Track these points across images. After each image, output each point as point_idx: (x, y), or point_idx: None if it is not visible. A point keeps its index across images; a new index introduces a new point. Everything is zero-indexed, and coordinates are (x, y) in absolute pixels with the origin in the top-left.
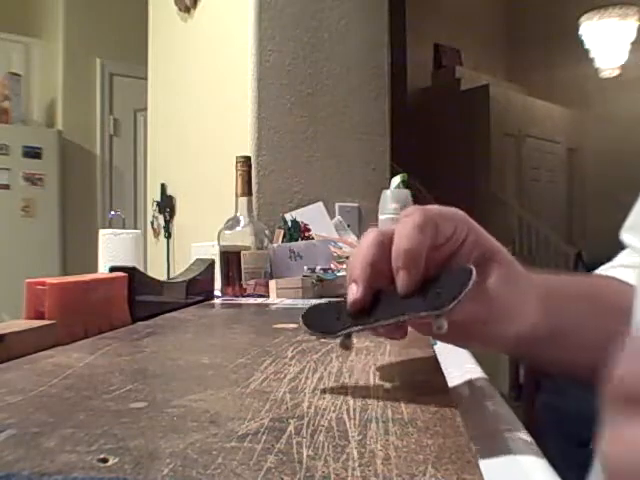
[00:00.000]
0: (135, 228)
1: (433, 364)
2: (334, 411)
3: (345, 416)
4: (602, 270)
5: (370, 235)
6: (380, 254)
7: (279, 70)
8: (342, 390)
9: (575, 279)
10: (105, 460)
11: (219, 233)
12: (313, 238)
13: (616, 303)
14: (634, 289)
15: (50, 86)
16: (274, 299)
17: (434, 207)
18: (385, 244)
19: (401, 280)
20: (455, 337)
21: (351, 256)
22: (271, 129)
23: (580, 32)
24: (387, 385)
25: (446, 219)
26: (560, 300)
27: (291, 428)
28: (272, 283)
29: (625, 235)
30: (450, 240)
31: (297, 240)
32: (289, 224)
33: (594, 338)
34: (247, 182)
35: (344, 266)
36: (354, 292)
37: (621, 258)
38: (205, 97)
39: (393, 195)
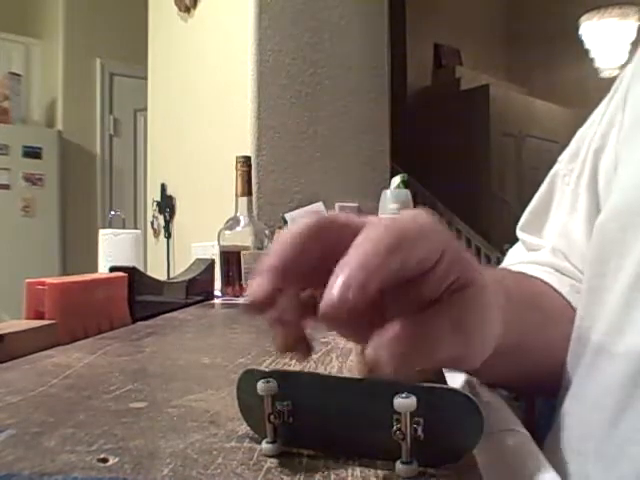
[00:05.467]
0: (135, 228)
1: None
2: None
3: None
4: (514, 267)
5: (309, 220)
6: (315, 247)
7: (279, 70)
8: None
9: (515, 277)
10: (105, 460)
11: (219, 233)
12: None
13: (556, 313)
14: (555, 290)
15: (50, 86)
16: None
17: (409, 218)
18: (328, 235)
19: (336, 293)
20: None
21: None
22: (271, 129)
23: (580, 32)
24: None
25: (420, 240)
26: (515, 313)
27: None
28: None
29: (520, 233)
30: (419, 266)
31: None
32: (289, 224)
33: (542, 352)
34: (247, 182)
35: None
36: (257, 288)
37: (520, 255)
38: (205, 97)
39: (393, 195)
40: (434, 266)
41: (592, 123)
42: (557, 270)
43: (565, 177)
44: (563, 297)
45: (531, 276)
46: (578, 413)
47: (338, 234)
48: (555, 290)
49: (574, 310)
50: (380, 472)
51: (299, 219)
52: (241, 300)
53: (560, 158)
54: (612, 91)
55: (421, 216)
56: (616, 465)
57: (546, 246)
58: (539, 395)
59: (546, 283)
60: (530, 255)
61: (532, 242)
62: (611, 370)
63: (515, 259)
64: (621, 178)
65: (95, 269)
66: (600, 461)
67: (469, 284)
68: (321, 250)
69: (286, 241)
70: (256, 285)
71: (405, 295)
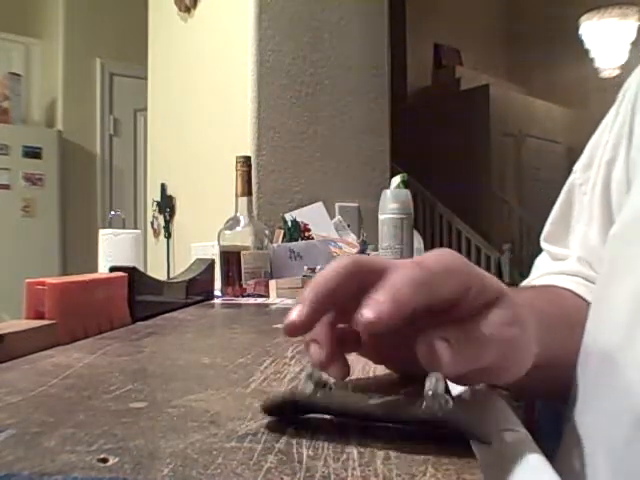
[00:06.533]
0: (135, 228)
1: None
2: None
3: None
4: (543, 278)
5: (344, 261)
6: (349, 285)
7: (279, 70)
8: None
9: (547, 297)
10: (105, 460)
11: (219, 233)
12: (313, 238)
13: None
14: (583, 299)
15: (50, 86)
16: (274, 299)
17: (433, 259)
18: (360, 276)
19: (368, 307)
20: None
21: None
22: (271, 129)
23: (580, 32)
24: (387, 385)
25: (445, 278)
26: (550, 328)
27: (291, 428)
28: (272, 283)
29: (544, 244)
30: (445, 301)
31: (297, 240)
32: (289, 224)
33: (571, 365)
34: (247, 182)
35: None
36: (296, 313)
37: (548, 265)
38: (205, 97)
39: (393, 195)
40: (465, 297)
41: (603, 130)
42: (585, 279)
43: (582, 186)
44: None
45: (561, 288)
46: (591, 426)
47: (367, 276)
48: (585, 300)
49: None
50: (380, 472)
51: (332, 262)
52: (241, 300)
53: (575, 167)
54: (620, 97)
55: (444, 256)
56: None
57: (572, 255)
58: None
59: (575, 294)
60: (557, 265)
61: (558, 252)
62: (623, 382)
63: (543, 270)
64: (633, 192)
65: (95, 269)
66: (615, 476)
67: (499, 297)
68: (352, 289)
69: (321, 281)
70: (296, 311)
71: (445, 315)
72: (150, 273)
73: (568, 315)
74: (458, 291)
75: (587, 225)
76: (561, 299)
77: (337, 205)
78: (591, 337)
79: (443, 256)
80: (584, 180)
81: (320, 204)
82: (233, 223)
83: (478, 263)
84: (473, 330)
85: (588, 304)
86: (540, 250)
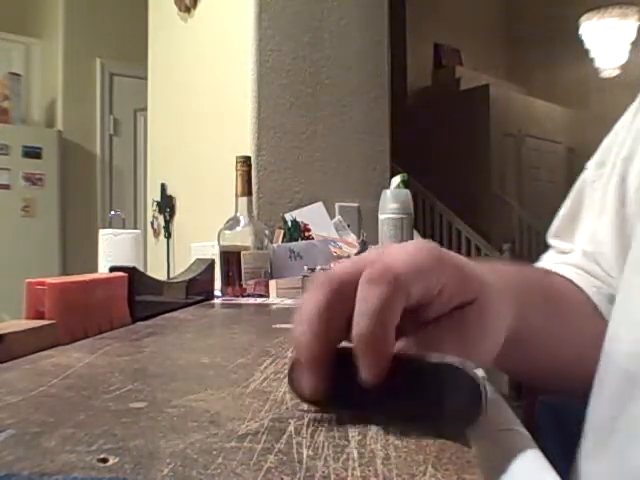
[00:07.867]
0: (135, 228)
1: None
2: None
3: (345, 416)
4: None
5: (325, 285)
6: (338, 308)
7: (279, 70)
8: None
9: (535, 275)
10: (105, 460)
11: (219, 233)
12: (313, 238)
13: (571, 307)
14: (580, 289)
15: (50, 86)
16: (274, 299)
17: (401, 261)
18: (344, 297)
19: (367, 367)
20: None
21: (301, 307)
22: (271, 129)
23: (580, 32)
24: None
25: (418, 280)
26: (529, 300)
27: (291, 428)
28: (272, 283)
29: (551, 240)
30: (422, 300)
31: (297, 240)
32: (289, 224)
33: (554, 342)
34: (247, 182)
35: None
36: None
37: (551, 258)
38: (205, 97)
39: (393, 195)
40: (436, 296)
41: (620, 129)
42: (586, 272)
43: (594, 183)
44: (588, 297)
45: (555, 273)
46: (631, 421)
47: (346, 292)
48: (579, 288)
49: (598, 311)
50: (380, 472)
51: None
52: (241, 300)
53: (587, 165)
54: (638, 101)
55: (420, 252)
56: None
57: (577, 250)
58: (543, 389)
59: (571, 281)
60: (560, 257)
61: (564, 247)
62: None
63: (546, 262)
64: None
65: (95, 269)
66: None
67: (470, 302)
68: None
69: (311, 313)
70: (302, 340)
71: (414, 314)
72: (150, 273)
73: (551, 287)
74: (430, 291)
75: (596, 219)
76: (546, 275)
77: (337, 205)
78: (609, 352)
79: (415, 256)
80: (597, 177)
81: (320, 204)
82: (233, 223)
83: None
84: (433, 336)
85: (585, 295)
86: (541, 249)
